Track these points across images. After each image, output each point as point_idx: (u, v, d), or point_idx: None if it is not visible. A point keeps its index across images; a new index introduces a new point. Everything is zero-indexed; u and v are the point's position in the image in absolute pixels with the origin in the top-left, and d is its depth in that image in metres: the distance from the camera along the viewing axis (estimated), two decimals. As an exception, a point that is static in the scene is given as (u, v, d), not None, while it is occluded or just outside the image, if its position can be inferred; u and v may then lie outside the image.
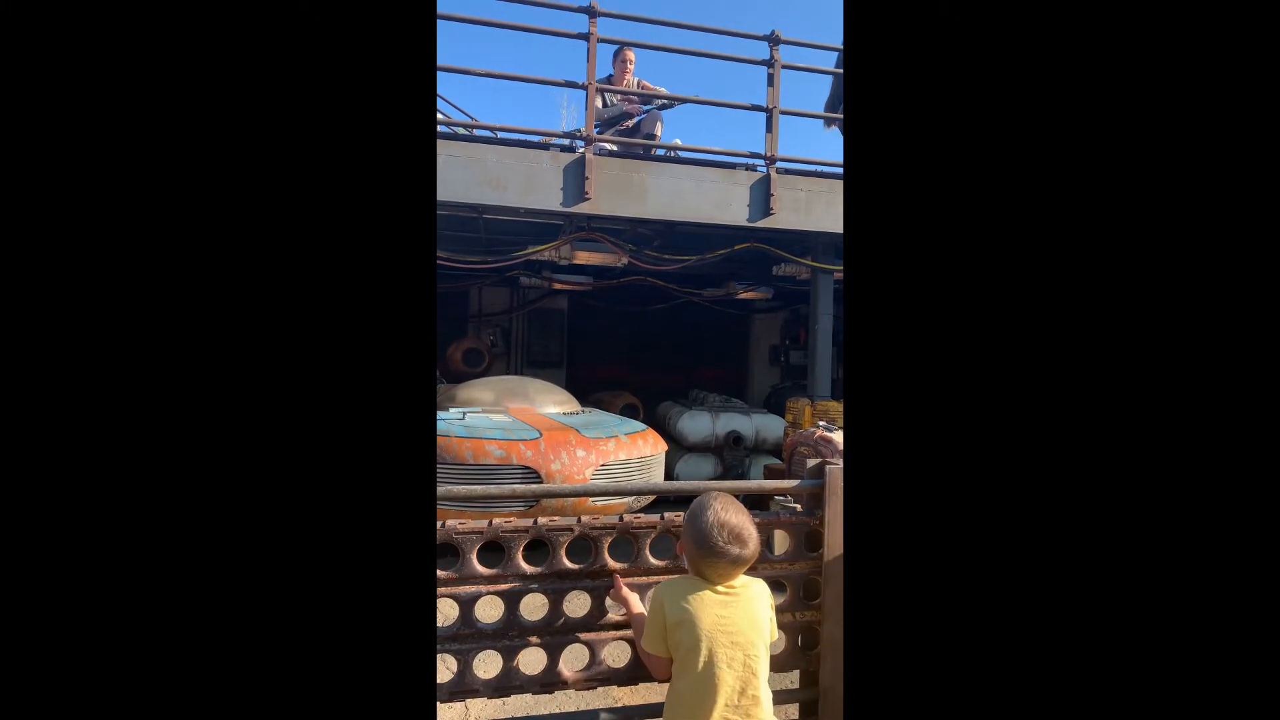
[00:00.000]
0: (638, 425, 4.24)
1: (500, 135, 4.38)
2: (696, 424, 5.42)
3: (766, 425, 5.53)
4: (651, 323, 6.97)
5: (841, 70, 5.00)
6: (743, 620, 1.33)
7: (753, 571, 1.78)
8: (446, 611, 1.61)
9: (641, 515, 1.72)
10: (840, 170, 5.14)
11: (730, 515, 1.34)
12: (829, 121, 4.89)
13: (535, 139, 4.31)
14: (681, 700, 1.32)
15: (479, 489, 1.71)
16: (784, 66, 4.49)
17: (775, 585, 1.79)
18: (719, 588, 1.36)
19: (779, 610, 1.79)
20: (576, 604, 1.65)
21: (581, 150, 4.17)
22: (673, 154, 4.71)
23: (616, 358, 7.14)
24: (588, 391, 6.33)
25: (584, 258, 4.72)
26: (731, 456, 5.48)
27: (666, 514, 1.71)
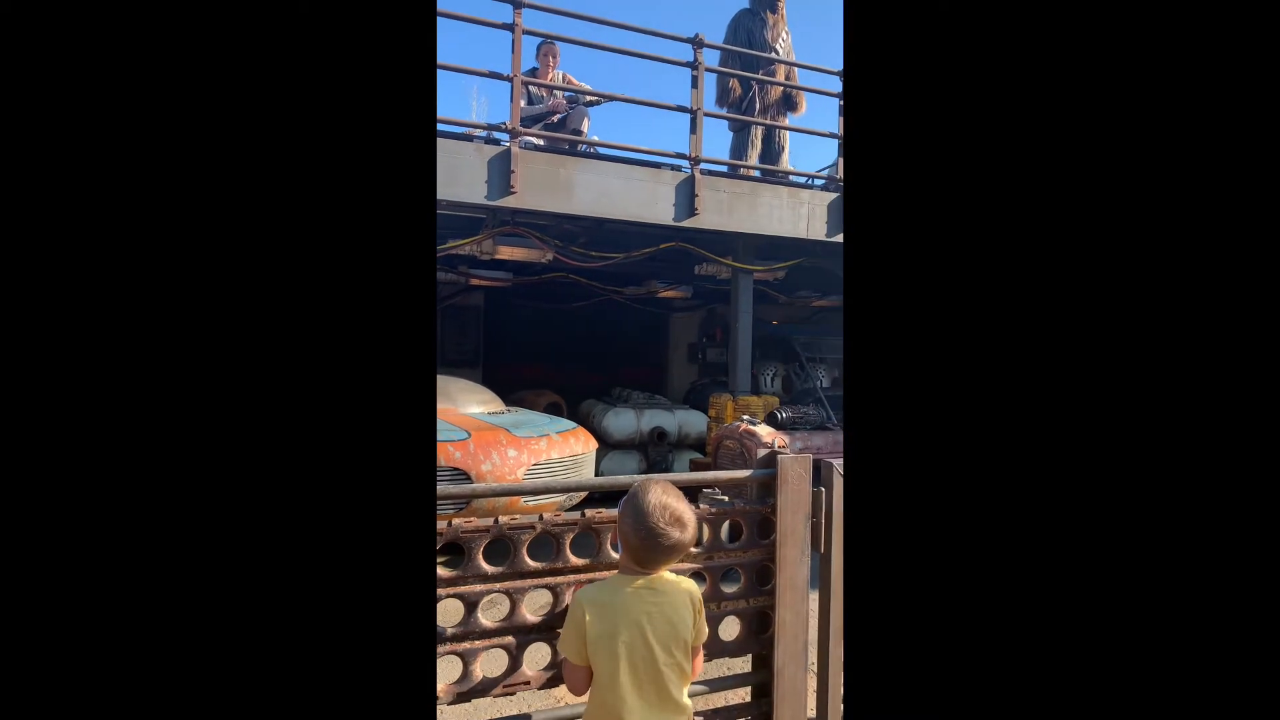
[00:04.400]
0: (568, 424, 4.20)
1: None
2: (621, 421, 5.45)
3: (689, 421, 5.64)
4: (571, 321, 6.92)
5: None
6: (663, 625, 1.32)
7: (708, 560, 1.82)
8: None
9: (603, 510, 1.71)
10: (759, 172, 5.32)
11: (670, 499, 1.33)
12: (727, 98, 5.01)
13: (457, 130, 4.16)
14: (603, 712, 1.30)
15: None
16: (707, 70, 4.60)
17: (729, 572, 1.84)
18: (644, 589, 1.34)
19: (734, 597, 1.85)
20: (538, 602, 1.61)
21: (507, 144, 4.08)
22: (592, 150, 4.70)
23: (535, 356, 7.03)
24: (506, 391, 6.18)
25: (506, 253, 4.62)
26: (656, 452, 5.55)
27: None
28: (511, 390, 6.12)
